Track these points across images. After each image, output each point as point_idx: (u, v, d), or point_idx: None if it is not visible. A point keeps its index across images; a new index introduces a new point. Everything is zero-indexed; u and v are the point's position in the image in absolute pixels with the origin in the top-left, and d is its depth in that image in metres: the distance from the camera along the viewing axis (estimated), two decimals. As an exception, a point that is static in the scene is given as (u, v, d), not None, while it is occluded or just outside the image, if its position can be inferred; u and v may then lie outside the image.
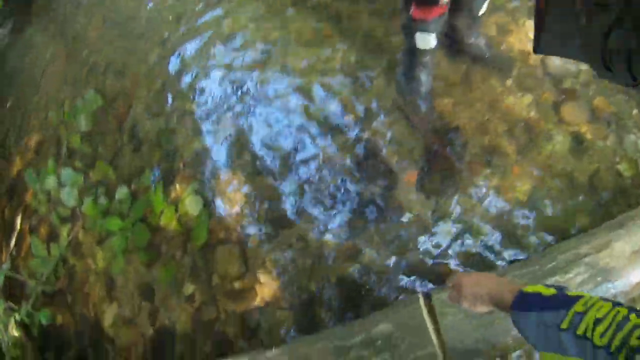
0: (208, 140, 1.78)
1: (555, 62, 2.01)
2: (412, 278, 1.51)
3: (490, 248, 1.61)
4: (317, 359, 1.30)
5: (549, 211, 1.72)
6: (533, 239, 1.67)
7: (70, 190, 2.04)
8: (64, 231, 2.18)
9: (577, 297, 0.72)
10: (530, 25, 2.08)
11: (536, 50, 0.71)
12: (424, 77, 1.71)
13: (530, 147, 1.80)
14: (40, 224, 2.38)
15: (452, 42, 1.84)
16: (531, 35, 2.03)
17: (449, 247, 1.56)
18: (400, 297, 1.48)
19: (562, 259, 1.34)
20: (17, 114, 2.87)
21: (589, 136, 1.90)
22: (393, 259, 1.56)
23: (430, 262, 1.51)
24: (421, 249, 1.55)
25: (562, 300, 0.74)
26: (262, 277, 1.59)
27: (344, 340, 1.30)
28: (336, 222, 1.58)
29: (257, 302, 1.59)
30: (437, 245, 1.56)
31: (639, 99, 2.04)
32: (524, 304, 0.80)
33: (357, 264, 1.52)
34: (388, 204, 1.58)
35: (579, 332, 0.66)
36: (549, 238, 1.68)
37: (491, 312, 0.98)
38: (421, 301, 1.30)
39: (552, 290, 0.78)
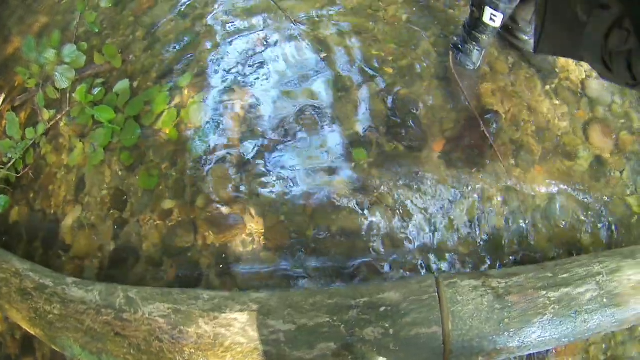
0: (230, 52, 1.46)
1: (594, 86, 1.83)
2: (420, 248, 1.26)
3: (497, 240, 1.38)
4: (309, 311, 1.10)
5: (558, 220, 1.52)
6: (538, 241, 1.45)
7: (68, 69, 1.67)
8: (46, 115, 1.80)
9: None
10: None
11: (537, 49, 0.70)
12: (476, 54, 1.55)
13: (555, 155, 1.60)
14: (25, 105, 1.99)
15: (508, 33, 1.72)
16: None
17: (462, 226, 1.32)
18: (409, 274, 1.22)
19: (575, 273, 1.25)
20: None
21: (609, 163, 1.73)
22: (403, 223, 1.29)
23: (437, 238, 1.27)
24: (432, 221, 1.29)
25: None
26: (255, 209, 1.29)
27: (345, 299, 1.12)
28: (349, 169, 1.30)
29: (243, 236, 1.29)
30: (450, 223, 1.31)
31: None
32: None
33: (364, 218, 1.25)
34: (410, 164, 1.32)
35: None
36: (554, 249, 1.47)
37: None
38: (434, 281, 1.15)
39: None
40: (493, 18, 1.44)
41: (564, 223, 1.53)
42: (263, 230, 1.31)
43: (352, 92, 1.45)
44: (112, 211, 1.54)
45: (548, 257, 1.45)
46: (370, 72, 1.53)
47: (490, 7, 1.42)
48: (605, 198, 1.66)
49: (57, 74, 1.77)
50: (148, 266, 1.42)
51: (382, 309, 1.08)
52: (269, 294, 1.13)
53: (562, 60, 1.87)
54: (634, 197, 1.77)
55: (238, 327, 1.08)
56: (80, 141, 1.71)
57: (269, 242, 1.30)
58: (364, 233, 1.29)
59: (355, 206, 1.31)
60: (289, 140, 1.36)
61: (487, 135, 1.48)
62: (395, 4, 1.76)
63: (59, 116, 1.84)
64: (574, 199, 1.58)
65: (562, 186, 1.58)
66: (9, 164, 1.90)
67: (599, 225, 1.61)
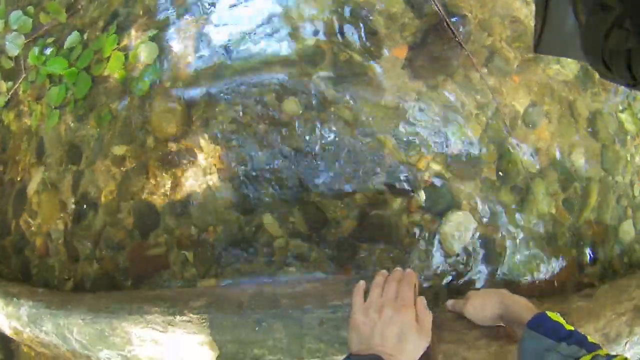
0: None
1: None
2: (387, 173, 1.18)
3: (473, 152, 1.30)
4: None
5: (543, 129, 1.42)
6: (519, 151, 1.36)
7: (16, 36, 1.66)
8: (3, 87, 1.79)
9: (597, 345, 0.72)
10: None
11: (537, 49, 0.70)
12: None
13: (536, 63, 1.48)
14: (-15, 82, 1.99)
15: None
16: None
17: (426, 143, 1.24)
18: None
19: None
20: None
21: (597, 75, 1.61)
22: (364, 142, 1.22)
23: (404, 157, 1.19)
24: (394, 140, 1.22)
25: (581, 341, 0.73)
26: (204, 142, 1.24)
27: (292, 357, 0.96)
28: (301, 85, 1.24)
29: (194, 171, 1.23)
30: (412, 138, 1.24)
31: None
32: (543, 327, 0.77)
33: (318, 137, 1.18)
34: (367, 77, 1.24)
35: None
36: (535, 163, 1.38)
37: (496, 324, 0.93)
38: None
39: (571, 327, 0.77)
40: None
41: (547, 131, 1.43)
42: (214, 161, 1.26)
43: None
44: (69, 166, 1.51)
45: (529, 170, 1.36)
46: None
47: None
48: (595, 111, 1.54)
49: (6, 42, 1.77)
50: (106, 217, 1.40)
51: None
52: (200, 339, 1.02)
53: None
54: (626, 113, 1.64)
55: None
56: (38, 104, 1.70)
57: (222, 173, 1.25)
58: (316, 152, 1.22)
59: (311, 123, 1.24)
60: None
61: (457, 37, 1.38)
62: None
63: (17, 84, 1.83)
64: (559, 110, 1.47)
65: (546, 97, 1.48)
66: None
67: (589, 142, 1.49)
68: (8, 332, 1.36)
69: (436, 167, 1.28)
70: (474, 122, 1.34)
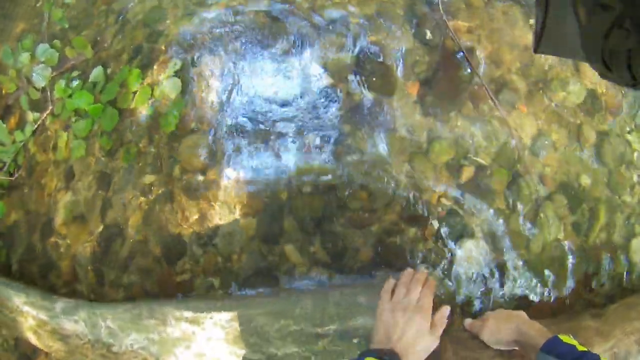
0: (197, 22, 1.49)
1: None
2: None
3: (485, 178, 1.36)
4: (276, 339, 1.05)
5: (551, 160, 1.48)
6: (528, 182, 1.42)
7: (43, 68, 1.75)
8: (31, 117, 1.88)
9: None
10: None
11: (536, 49, 0.70)
12: None
13: (544, 90, 1.55)
14: (13, 111, 2.08)
15: None
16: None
17: (441, 171, 1.30)
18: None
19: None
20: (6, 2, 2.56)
21: (604, 98, 1.67)
22: (381, 180, 1.29)
23: (416, 192, 1.26)
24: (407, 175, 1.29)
25: None
26: (230, 173, 1.31)
27: (312, 326, 1.02)
28: (321, 123, 1.31)
29: (219, 201, 1.30)
30: (422, 175, 1.30)
31: None
32: (556, 350, 0.81)
33: (334, 174, 1.25)
34: (382, 110, 1.31)
35: None
36: (542, 189, 1.44)
37: (510, 350, 0.97)
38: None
39: (584, 348, 0.80)
40: None
41: (554, 161, 1.50)
42: (238, 194, 1.34)
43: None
44: (99, 191, 1.59)
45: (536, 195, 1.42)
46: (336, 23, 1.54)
47: None
48: (603, 133, 1.61)
49: (34, 74, 1.86)
50: (133, 243, 1.47)
51: (355, 340, 0.99)
52: (231, 315, 1.09)
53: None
54: (634, 134, 1.70)
55: (211, 357, 1.08)
56: (65, 134, 1.78)
57: (245, 206, 1.33)
58: (341, 188, 1.30)
59: (330, 157, 1.32)
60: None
61: (458, 79, 1.45)
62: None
63: (43, 115, 1.92)
64: (566, 137, 1.54)
65: (553, 124, 1.54)
66: (4, 168, 2.00)
67: (596, 166, 1.55)
68: (27, 324, 1.39)
69: (448, 201, 1.35)
70: (484, 154, 1.41)
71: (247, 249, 1.31)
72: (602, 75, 0.56)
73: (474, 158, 1.38)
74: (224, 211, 1.35)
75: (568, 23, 0.59)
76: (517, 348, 1.01)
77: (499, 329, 0.98)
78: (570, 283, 1.47)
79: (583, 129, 1.59)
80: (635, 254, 1.63)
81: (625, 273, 1.59)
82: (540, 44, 0.69)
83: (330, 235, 1.28)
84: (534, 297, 1.39)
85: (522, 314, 1.01)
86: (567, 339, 0.84)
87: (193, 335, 1.08)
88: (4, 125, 2.05)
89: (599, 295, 1.52)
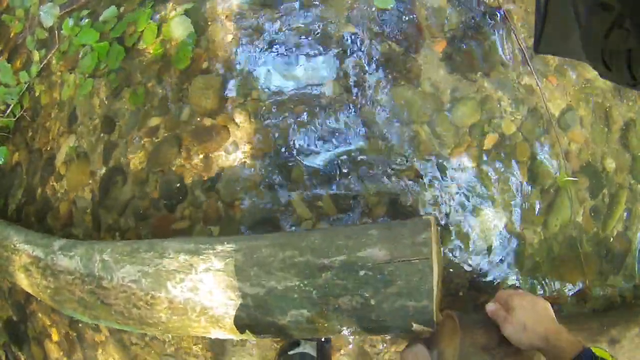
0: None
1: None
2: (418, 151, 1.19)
3: (509, 147, 1.29)
4: (278, 271, 0.98)
5: (577, 136, 1.41)
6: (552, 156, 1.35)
7: (51, 7, 1.69)
8: (36, 56, 1.83)
9: None
10: None
11: (537, 49, 0.71)
12: None
13: (574, 67, 1.48)
14: (17, 52, 2.03)
15: None
16: None
17: (462, 135, 1.24)
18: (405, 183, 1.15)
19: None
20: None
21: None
22: (399, 136, 1.23)
23: (436, 150, 1.20)
24: (428, 131, 1.22)
25: None
26: (239, 118, 1.25)
27: (318, 256, 0.97)
28: (342, 76, 1.25)
29: (227, 145, 1.25)
30: (445, 133, 1.23)
31: None
32: None
33: (353, 117, 1.20)
34: (406, 66, 1.25)
35: None
36: (567, 165, 1.36)
37: (532, 352, 0.88)
38: (430, 233, 0.96)
39: None
40: None
41: (583, 138, 1.43)
42: (247, 138, 1.28)
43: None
44: (102, 135, 1.54)
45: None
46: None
47: None
48: (629, 120, 1.53)
49: (41, 13, 1.81)
50: (134, 186, 1.42)
51: (362, 273, 0.92)
52: (234, 246, 1.04)
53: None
54: None
55: (205, 291, 1.02)
56: (70, 74, 1.73)
57: (254, 150, 1.27)
58: (353, 133, 1.23)
59: (347, 105, 1.25)
60: (274, 45, 1.32)
61: (490, 39, 1.37)
62: None
63: (50, 54, 1.86)
64: (595, 116, 1.46)
65: (582, 102, 1.47)
66: (7, 111, 1.95)
67: (622, 151, 1.47)
68: (21, 262, 1.37)
69: (470, 161, 1.29)
70: (508, 120, 1.34)
71: (251, 196, 1.25)
72: (602, 75, 0.57)
73: (499, 125, 1.32)
74: (230, 153, 1.29)
75: (568, 23, 0.60)
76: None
77: (525, 329, 0.86)
78: (583, 272, 1.40)
79: (612, 111, 1.51)
80: None
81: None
82: (540, 44, 0.70)
83: (342, 189, 1.22)
84: (547, 281, 1.33)
85: (550, 312, 0.89)
86: (600, 352, 0.76)
87: (190, 267, 1.03)
88: (9, 66, 2.00)
89: (612, 286, 1.46)
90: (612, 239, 1.46)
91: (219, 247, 1.03)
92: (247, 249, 1.01)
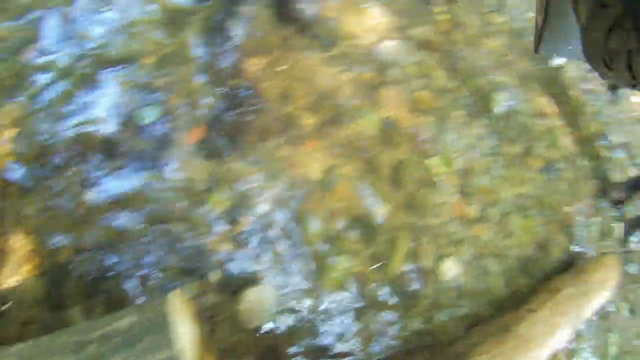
0: None
1: (385, 49, 1.83)
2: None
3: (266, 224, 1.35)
4: (58, 353, 1.17)
5: (343, 193, 1.50)
6: (316, 224, 1.44)
7: None
8: None
9: None
10: (372, 12, 1.90)
11: (537, 49, 0.71)
12: (235, 28, 1.60)
13: (334, 124, 1.60)
14: None
15: (282, 3, 1.77)
16: (373, 20, 1.87)
17: (217, 220, 1.29)
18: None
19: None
20: None
21: (403, 124, 1.73)
22: (151, 234, 1.24)
23: (189, 238, 1.23)
24: (184, 224, 1.25)
25: None
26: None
27: (84, 334, 1.18)
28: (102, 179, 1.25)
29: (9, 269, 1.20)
30: (203, 220, 1.28)
31: (465, 103, 1.95)
32: None
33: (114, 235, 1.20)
34: (160, 160, 1.27)
35: None
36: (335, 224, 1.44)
37: None
38: (171, 298, 1.20)
39: None
40: None
41: (348, 191, 1.52)
42: (27, 252, 1.24)
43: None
44: None
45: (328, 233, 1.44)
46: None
47: None
48: (398, 162, 1.64)
49: None
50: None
51: (117, 338, 1.13)
52: (24, 345, 1.17)
53: (350, 24, 1.87)
54: (437, 158, 1.78)
55: None
56: None
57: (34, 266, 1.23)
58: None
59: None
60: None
61: (243, 120, 1.44)
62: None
63: None
64: (360, 168, 1.58)
65: (345, 157, 1.56)
66: None
67: (394, 192, 1.60)
68: None
69: (228, 245, 1.33)
70: (264, 196, 1.40)
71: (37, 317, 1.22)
72: (602, 75, 0.57)
73: (257, 204, 1.38)
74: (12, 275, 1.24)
75: (569, 24, 0.59)
76: None
77: None
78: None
79: (378, 158, 1.63)
80: (445, 274, 1.68)
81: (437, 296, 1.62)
82: (540, 45, 0.69)
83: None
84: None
85: None
86: None
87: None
88: None
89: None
90: (400, 276, 1.56)
91: (13, 350, 1.16)
92: (34, 343, 1.16)
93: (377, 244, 1.56)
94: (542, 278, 2.03)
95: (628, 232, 2.63)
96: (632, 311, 2.66)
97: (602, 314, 2.28)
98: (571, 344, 2.03)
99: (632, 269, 2.62)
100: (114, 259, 1.29)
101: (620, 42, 0.49)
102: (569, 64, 3.02)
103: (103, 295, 1.28)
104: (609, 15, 0.50)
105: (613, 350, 2.34)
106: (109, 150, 1.34)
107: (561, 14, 0.62)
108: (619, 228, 2.68)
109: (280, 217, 1.44)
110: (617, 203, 2.60)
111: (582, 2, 0.55)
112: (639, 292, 2.75)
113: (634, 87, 0.53)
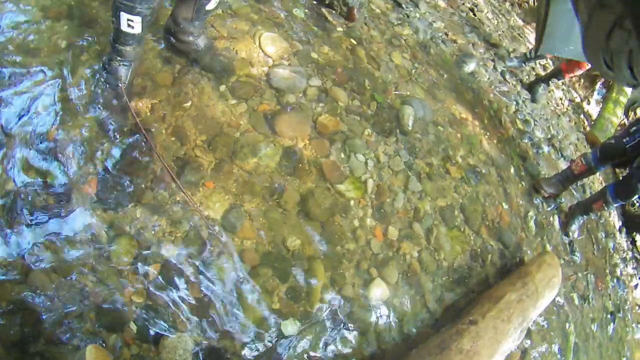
0: None
1: (281, 75, 1.79)
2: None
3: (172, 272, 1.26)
4: None
5: (248, 232, 1.42)
6: (228, 265, 1.35)
7: None
8: None
9: None
10: (266, 39, 1.87)
11: (538, 50, 0.73)
12: (122, 71, 1.46)
13: (233, 160, 1.52)
14: None
15: (173, 37, 1.66)
16: (265, 47, 1.89)
17: (126, 269, 1.18)
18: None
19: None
20: None
21: (305, 152, 1.70)
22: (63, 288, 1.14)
23: (101, 290, 1.23)
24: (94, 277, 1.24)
25: None
26: None
27: None
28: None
29: None
30: (112, 269, 1.26)
31: (373, 121, 1.93)
32: None
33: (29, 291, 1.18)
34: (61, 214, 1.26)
35: None
36: (244, 266, 1.39)
37: None
38: (88, 353, 1.07)
39: None
40: (130, 24, 1.33)
41: (259, 226, 1.45)
42: None
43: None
44: None
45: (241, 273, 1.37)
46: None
47: (125, 12, 1.30)
48: (307, 191, 1.58)
49: None
50: None
51: None
52: None
53: (242, 54, 1.82)
54: (346, 182, 1.73)
55: None
56: None
57: None
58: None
59: None
60: None
61: (137, 166, 1.35)
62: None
63: None
64: (263, 202, 1.50)
65: (246, 194, 1.49)
66: None
67: (304, 224, 1.53)
68: None
69: (140, 299, 1.22)
70: (168, 241, 1.31)
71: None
72: (603, 75, 0.60)
73: (163, 250, 1.28)
74: None
75: (569, 23, 0.61)
76: None
77: None
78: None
79: (285, 190, 1.56)
80: (373, 295, 1.59)
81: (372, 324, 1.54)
82: (541, 45, 0.71)
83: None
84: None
85: None
86: None
87: None
88: None
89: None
90: (324, 309, 1.48)
91: None
92: None
93: (293, 277, 1.48)
94: (481, 288, 2.00)
95: (567, 223, 2.69)
96: (582, 298, 2.68)
97: (556, 309, 2.27)
98: (524, 345, 1.98)
99: (577, 257, 2.66)
100: (26, 317, 1.15)
101: (621, 42, 0.50)
102: (481, 69, 3.13)
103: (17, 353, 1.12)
104: (610, 15, 0.50)
105: (572, 339, 2.32)
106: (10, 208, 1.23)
107: (562, 14, 0.63)
108: (555, 221, 2.73)
109: (189, 261, 1.34)
110: (550, 197, 2.65)
111: (583, 2, 0.56)
112: (587, 278, 2.79)
113: (634, 87, 0.62)
